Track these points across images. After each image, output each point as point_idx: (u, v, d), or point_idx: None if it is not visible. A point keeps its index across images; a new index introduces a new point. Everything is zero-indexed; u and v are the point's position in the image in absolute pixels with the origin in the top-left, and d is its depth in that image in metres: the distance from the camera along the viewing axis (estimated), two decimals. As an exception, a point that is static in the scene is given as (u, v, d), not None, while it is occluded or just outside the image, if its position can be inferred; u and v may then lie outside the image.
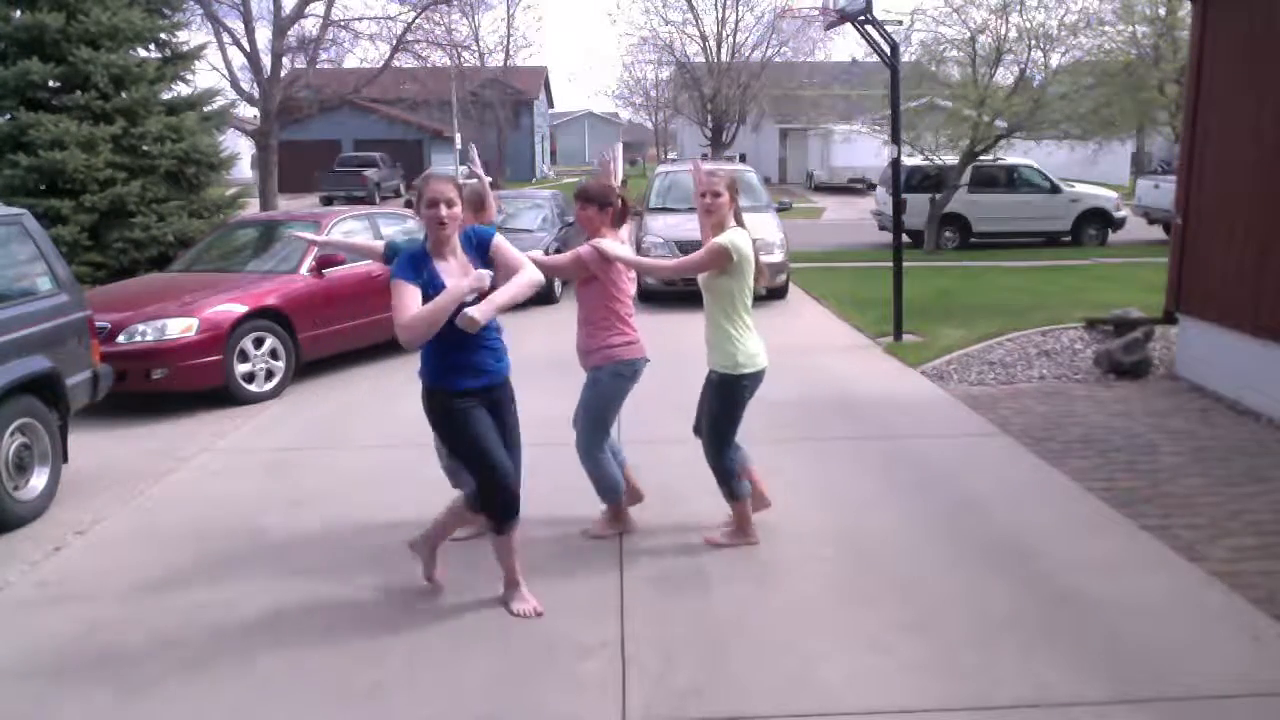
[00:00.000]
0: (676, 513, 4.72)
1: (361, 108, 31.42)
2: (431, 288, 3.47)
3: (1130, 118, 15.97)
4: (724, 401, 4.22)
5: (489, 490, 3.65)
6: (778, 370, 7.98)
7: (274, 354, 7.44)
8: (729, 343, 4.14)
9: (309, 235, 5.39)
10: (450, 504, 3.95)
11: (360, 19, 27.05)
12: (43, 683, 3.39)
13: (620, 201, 4.33)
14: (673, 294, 10.78)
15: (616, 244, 4.26)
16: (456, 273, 3.51)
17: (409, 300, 3.41)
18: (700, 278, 4.19)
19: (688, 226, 11.21)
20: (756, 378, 4.23)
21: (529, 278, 3.58)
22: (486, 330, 3.57)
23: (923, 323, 9.35)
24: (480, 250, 3.64)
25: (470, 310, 3.36)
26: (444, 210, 3.50)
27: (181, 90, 12.26)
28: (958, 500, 4.91)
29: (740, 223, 4.22)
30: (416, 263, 3.52)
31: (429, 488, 5.03)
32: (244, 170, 26.87)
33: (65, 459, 5.34)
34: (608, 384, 4.31)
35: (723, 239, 4.07)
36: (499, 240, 3.68)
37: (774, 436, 6.03)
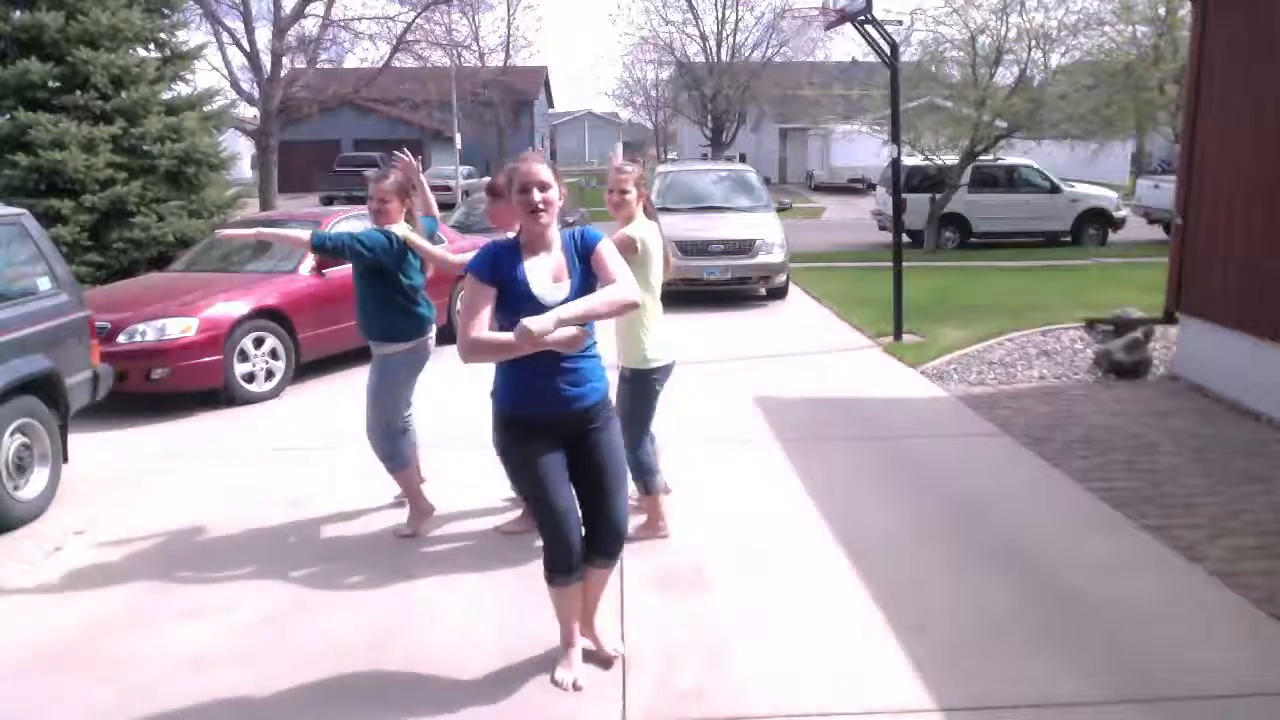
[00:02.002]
0: (675, 514, 4.72)
1: (361, 108, 31.41)
2: (512, 287, 2.92)
3: (1130, 118, 15.95)
4: (635, 397, 4.31)
5: (545, 537, 3.15)
6: (778, 370, 8.04)
7: (274, 354, 7.44)
8: (638, 337, 4.24)
9: (229, 231, 5.20)
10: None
11: (360, 19, 27.08)
12: (43, 682, 3.38)
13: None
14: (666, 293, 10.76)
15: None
16: (547, 276, 2.96)
17: (480, 304, 2.88)
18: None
19: (688, 226, 11.21)
20: (666, 370, 4.36)
21: (618, 295, 2.90)
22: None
23: (923, 323, 9.35)
24: (583, 255, 3.01)
25: (528, 321, 2.74)
26: (537, 195, 2.90)
27: (181, 90, 12.25)
28: (957, 500, 4.91)
29: (653, 218, 4.38)
30: (497, 256, 2.95)
31: (430, 485, 5.03)
32: (244, 170, 26.88)
33: (65, 459, 5.34)
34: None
35: (629, 229, 4.21)
36: (604, 247, 3.02)
37: (774, 436, 6.04)
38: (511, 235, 3.07)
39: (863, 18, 8.82)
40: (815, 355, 8.62)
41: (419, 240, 4.50)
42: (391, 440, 4.56)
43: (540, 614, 3.72)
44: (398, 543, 4.54)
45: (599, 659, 3.40)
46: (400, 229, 4.45)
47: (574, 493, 3.15)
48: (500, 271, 2.93)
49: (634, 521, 4.39)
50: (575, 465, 3.15)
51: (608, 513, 3.18)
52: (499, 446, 3.35)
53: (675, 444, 5.21)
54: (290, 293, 7.69)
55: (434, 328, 4.70)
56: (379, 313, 4.52)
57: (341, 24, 19.19)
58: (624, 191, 4.26)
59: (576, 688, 3.24)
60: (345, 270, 8.16)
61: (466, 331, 2.88)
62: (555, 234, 3.02)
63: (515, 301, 2.91)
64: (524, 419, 3.08)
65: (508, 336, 2.80)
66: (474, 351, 2.89)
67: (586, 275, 3.00)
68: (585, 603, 3.37)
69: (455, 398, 5.81)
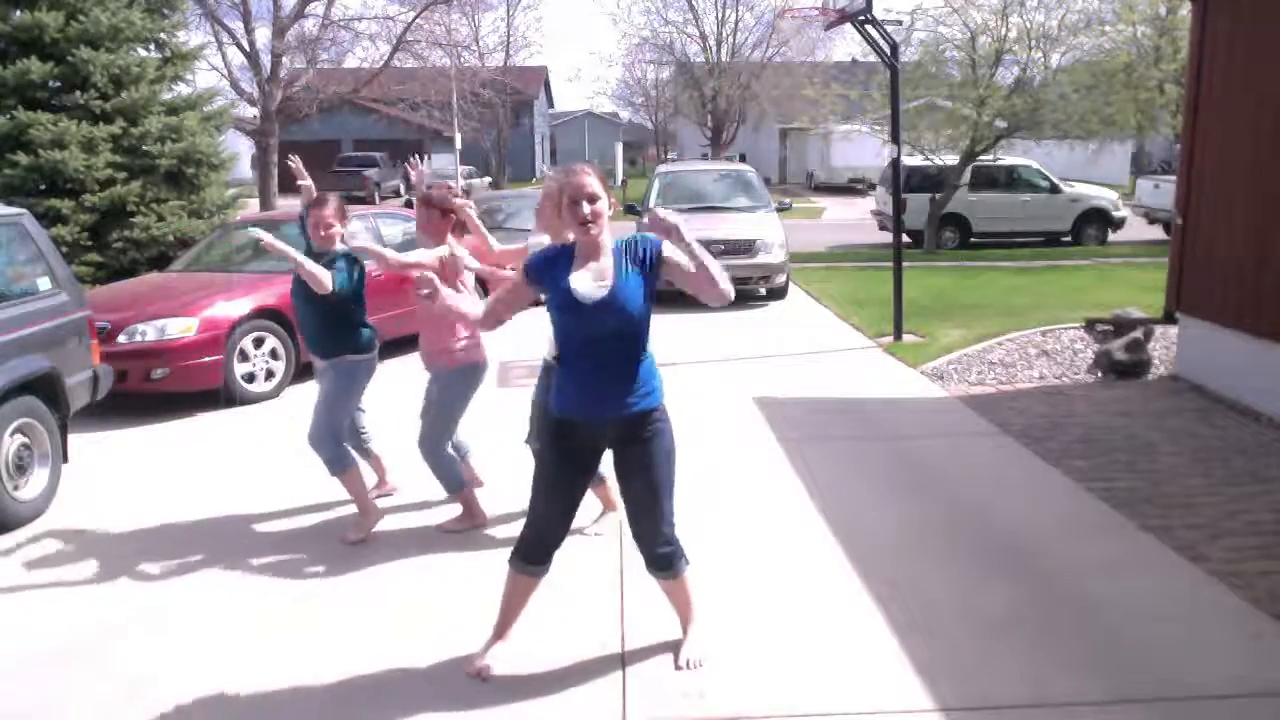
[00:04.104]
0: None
1: (361, 108, 31.40)
2: (555, 291, 3.01)
3: (1130, 118, 15.95)
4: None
5: (526, 524, 3.28)
6: (778, 370, 8.04)
7: (274, 354, 7.44)
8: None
9: (263, 235, 5.16)
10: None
11: (360, 19, 27.03)
12: (46, 680, 3.39)
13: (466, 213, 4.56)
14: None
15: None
16: (590, 276, 3.02)
17: (511, 295, 3.13)
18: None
19: (688, 226, 11.19)
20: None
21: (722, 274, 2.99)
22: (623, 347, 3.02)
23: (923, 323, 9.35)
24: (648, 263, 3.02)
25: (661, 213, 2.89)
26: (587, 208, 2.95)
27: (181, 90, 12.24)
28: (957, 500, 4.91)
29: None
30: (553, 263, 3.04)
31: (430, 485, 5.03)
32: (244, 170, 26.86)
33: (65, 459, 5.34)
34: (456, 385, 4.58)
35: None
36: (671, 251, 3.02)
37: (774, 436, 6.04)
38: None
39: (863, 18, 8.83)
40: (815, 355, 8.62)
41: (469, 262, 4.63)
42: (339, 444, 4.63)
43: (544, 614, 3.72)
44: (398, 543, 4.54)
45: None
46: (436, 251, 4.53)
47: (569, 507, 3.24)
48: (549, 278, 3.03)
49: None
50: (624, 474, 3.21)
51: (654, 524, 3.21)
52: (540, 445, 3.37)
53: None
54: (289, 294, 7.67)
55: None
56: (341, 328, 4.66)
57: (341, 24, 19.17)
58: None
59: (482, 677, 3.29)
60: (345, 270, 8.22)
61: (485, 308, 3.15)
62: (607, 240, 3.05)
63: (560, 305, 3.02)
64: (573, 421, 3.12)
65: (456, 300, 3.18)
66: (490, 317, 3.16)
67: (636, 279, 3.01)
68: (675, 608, 3.44)
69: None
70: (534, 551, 3.26)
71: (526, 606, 3.41)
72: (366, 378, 4.74)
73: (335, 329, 4.63)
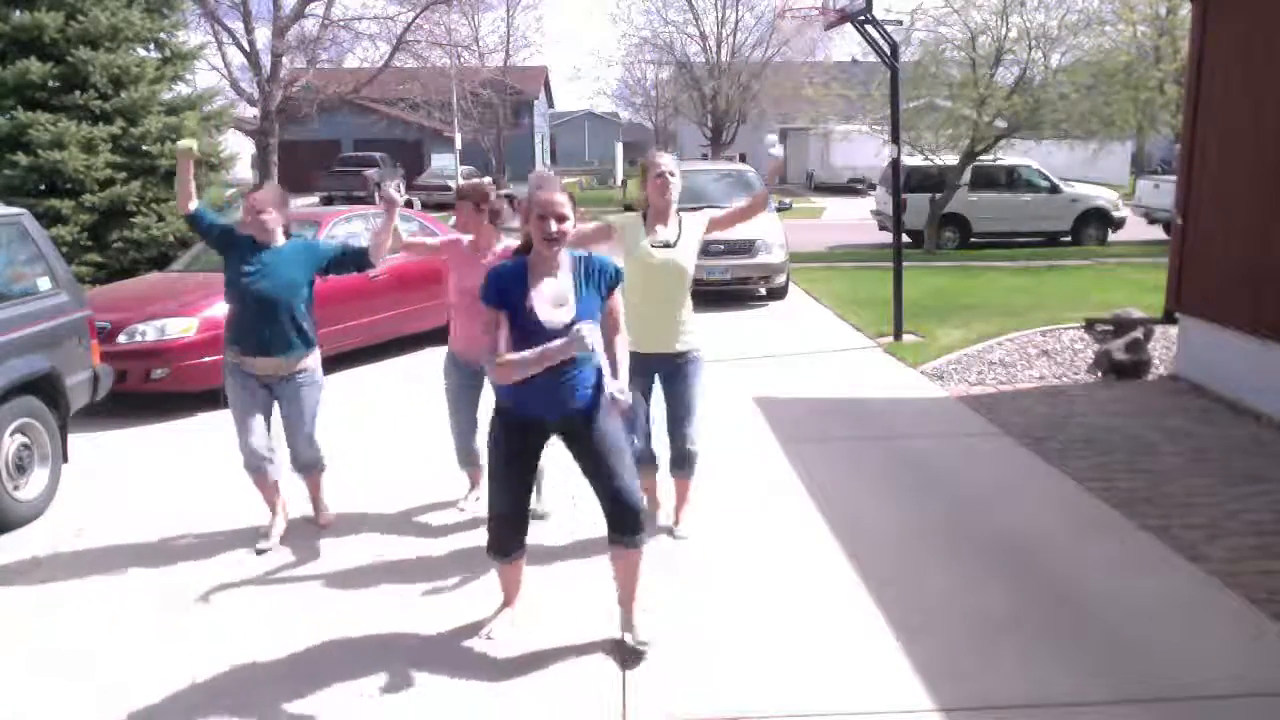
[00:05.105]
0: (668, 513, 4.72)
1: (361, 108, 31.42)
2: (519, 316, 3.12)
3: (1130, 118, 15.95)
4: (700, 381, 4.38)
5: (490, 521, 3.45)
6: (778, 370, 8.04)
7: (274, 354, 7.43)
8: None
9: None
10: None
11: (360, 19, 27.00)
12: (46, 682, 3.39)
13: (503, 201, 4.49)
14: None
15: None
16: (550, 299, 3.15)
17: (496, 328, 3.13)
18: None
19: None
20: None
21: (624, 348, 3.34)
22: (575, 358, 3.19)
23: (923, 323, 9.35)
24: (598, 287, 3.25)
25: (512, 356, 3.10)
26: (554, 226, 3.08)
27: (181, 90, 12.25)
28: (957, 500, 4.91)
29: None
30: (504, 283, 3.14)
31: (429, 485, 5.03)
32: (244, 170, 26.86)
33: (65, 459, 5.34)
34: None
35: (615, 218, 4.35)
36: (616, 300, 3.32)
37: (773, 436, 6.04)
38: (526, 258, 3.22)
39: (863, 18, 8.83)
40: (815, 355, 8.62)
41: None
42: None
43: (550, 613, 3.73)
44: (399, 544, 4.54)
45: (624, 650, 3.46)
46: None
47: (523, 498, 3.43)
48: (507, 298, 3.13)
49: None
50: (579, 454, 3.39)
51: (616, 491, 3.33)
52: (493, 433, 3.41)
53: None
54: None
55: None
56: (298, 320, 4.47)
57: (341, 24, 19.18)
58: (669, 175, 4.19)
59: (487, 637, 3.54)
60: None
61: (492, 358, 3.12)
62: (564, 255, 3.21)
63: (522, 327, 3.13)
64: (522, 417, 3.29)
65: (523, 357, 3.09)
66: (511, 372, 3.12)
67: (593, 300, 3.23)
68: (620, 590, 3.53)
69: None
70: (500, 542, 3.44)
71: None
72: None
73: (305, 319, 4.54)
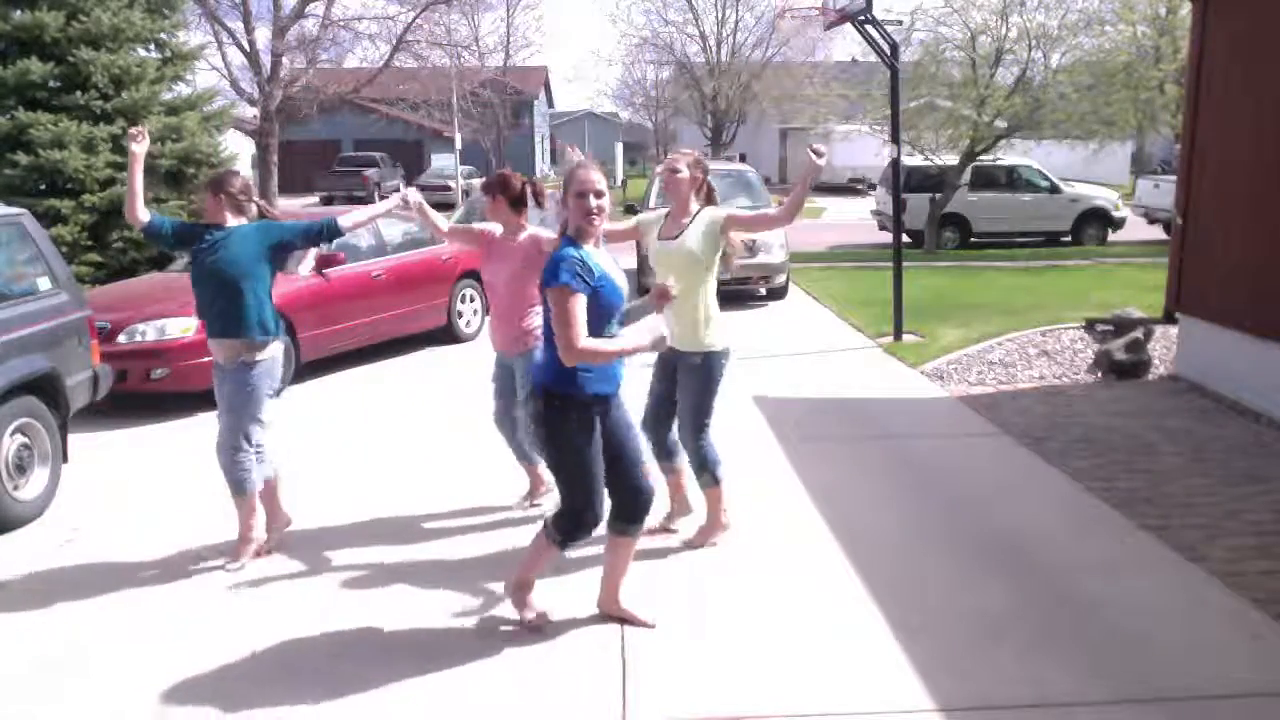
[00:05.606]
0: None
1: (361, 108, 31.43)
2: (605, 288, 3.21)
3: (1130, 118, 15.95)
4: (710, 380, 4.37)
5: (575, 514, 3.41)
6: (778, 370, 8.03)
7: (274, 354, 7.43)
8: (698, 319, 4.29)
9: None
10: (533, 540, 3.66)
11: (360, 19, 26.99)
12: (46, 682, 3.39)
13: (523, 186, 4.57)
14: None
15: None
16: (617, 271, 3.32)
17: (581, 313, 3.13)
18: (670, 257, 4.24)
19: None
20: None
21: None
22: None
23: (923, 323, 9.35)
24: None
25: (608, 345, 3.22)
26: (594, 201, 3.23)
27: (181, 90, 12.24)
28: (957, 500, 4.91)
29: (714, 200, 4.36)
30: (581, 265, 3.16)
31: (429, 487, 5.03)
32: (244, 170, 26.89)
33: (65, 459, 5.34)
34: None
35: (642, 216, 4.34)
36: None
37: (773, 436, 6.04)
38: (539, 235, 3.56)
39: (863, 18, 8.83)
40: (815, 355, 8.63)
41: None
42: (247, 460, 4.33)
43: (558, 611, 3.72)
44: (398, 544, 4.54)
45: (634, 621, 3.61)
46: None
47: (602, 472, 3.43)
48: (592, 278, 3.18)
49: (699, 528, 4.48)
50: (607, 433, 3.43)
51: (634, 479, 3.48)
52: (551, 428, 3.34)
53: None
54: (290, 293, 7.68)
55: None
56: (256, 302, 4.23)
57: (341, 24, 19.15)
58: (675, 170, 4.22)
59: (544, 620, 3.64)
60: (346, 270, 8.24)
61: (574, 341, 3.11)
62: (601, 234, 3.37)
63: (609, 300, 3.24)
64: (592, 396, 3.31)
65: (619, 344, 3.26)
66: (585, 357, 3.17)
67: None
68: (612, 577, 3.62)
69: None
70: (595, 526, 3.48)
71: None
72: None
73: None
